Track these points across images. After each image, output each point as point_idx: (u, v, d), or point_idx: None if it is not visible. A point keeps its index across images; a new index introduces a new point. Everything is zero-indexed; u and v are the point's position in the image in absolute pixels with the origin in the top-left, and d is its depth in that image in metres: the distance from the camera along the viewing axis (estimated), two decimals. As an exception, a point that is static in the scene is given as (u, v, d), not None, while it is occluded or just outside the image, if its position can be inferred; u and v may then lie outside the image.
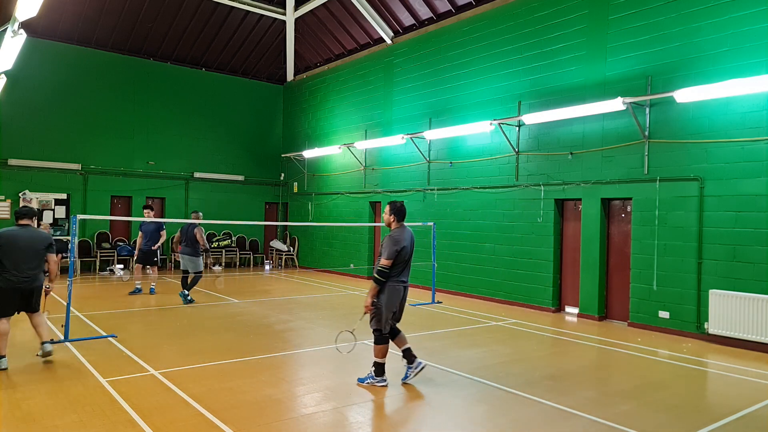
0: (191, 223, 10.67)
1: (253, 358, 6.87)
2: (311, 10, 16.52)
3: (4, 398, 5.15)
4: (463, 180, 12.53)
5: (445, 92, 13.06)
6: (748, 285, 7.95)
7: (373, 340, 5.86)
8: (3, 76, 11.03)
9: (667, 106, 8.96)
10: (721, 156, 8.35)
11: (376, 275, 5.69)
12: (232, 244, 18.11)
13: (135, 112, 16.72)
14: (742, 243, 8.07)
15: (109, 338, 7.63)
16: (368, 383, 5.82)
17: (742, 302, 7.91)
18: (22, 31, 7.14)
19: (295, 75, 19.35)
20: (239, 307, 10.56)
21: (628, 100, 9.00)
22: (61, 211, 15.38)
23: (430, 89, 13.49)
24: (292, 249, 18.74)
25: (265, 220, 19.19)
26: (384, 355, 5.81)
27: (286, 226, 19.36)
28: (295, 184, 18.85)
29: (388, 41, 15.04)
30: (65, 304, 7.53)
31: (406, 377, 5.92)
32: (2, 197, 14.54)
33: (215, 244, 17.46)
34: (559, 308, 10.79)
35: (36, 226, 6.63)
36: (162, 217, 17.01)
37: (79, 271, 15.12)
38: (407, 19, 14.42)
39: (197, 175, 17.65)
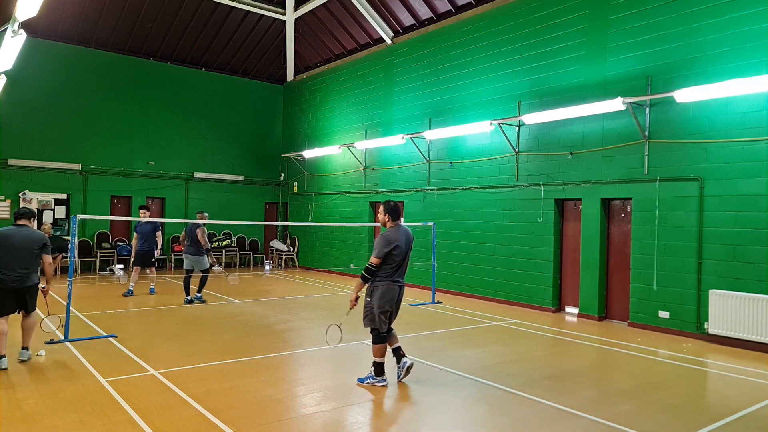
0: (195, 223, 10.75)
1: (253, 358, 6.87)
2: (311, 10, 16.52)
3: (4, 398, 5.15)
4: (463, 180, 12.53)
5: (445, 92, 13.06)
6: (748, 285, 7.95)
7: (371, 340, 5.87)
8: (3, 76, 11.03)
9: (667, 106, 8.96)
10: (721, 156, 8.35)
11: (363, 272, 5.77)
12: (232, 244, 18.12)
13: (135, 112, 16.72)
14: (742, 243, 8.07)
15: (109, 338, 7.63)
16: (368, 383, 5.82)
17: (742, 302, 7.91)
18: (22, 31, 7.13)
19: (295, 75, 19.35)
20: (239, 307, 10.56)
21: (628, 100, 9.00)
22: (61, 211, 15.38)
23: (430, 89, 13.49)
24: (292, 249, 18.74)
25: (265, 220, 19.19)
26: (383, 355, 5.81)
27: (286, 226, 19.36)
28: (295, 184, 18.85)
29: (388, 41, 15.04)
30: (65, 304, 7.53)
31: (398, 376, 5.94)
32: (2, 197, 14.54)
33: (215, 244, 17.46)
34: (559, 308, 10.79)
35: (36, 227, 6.65)
36: (162, 217, 17.03)
37: (79, 271, 15.13)
38: (407, 19, 14.42)
39: (197, 175, 17.65)
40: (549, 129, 10.75)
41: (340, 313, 9.96)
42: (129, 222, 16.29)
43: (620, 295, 9.86)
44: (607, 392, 5.80)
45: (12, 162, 14.55)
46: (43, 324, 6.87)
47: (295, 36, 18.07)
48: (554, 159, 10.69)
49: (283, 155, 19.29)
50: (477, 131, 11.58)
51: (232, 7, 16.33)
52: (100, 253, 15.68)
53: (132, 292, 11.34)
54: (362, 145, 15.01)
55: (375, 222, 15.11)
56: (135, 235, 11.50)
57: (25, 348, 6.45)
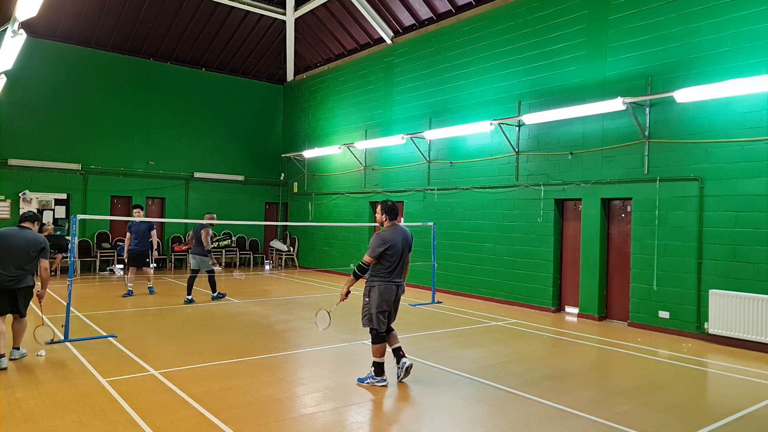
0: (201, 224, 10.91)
1: (253, 358, 6.87)
2: (311, 10, 16.52)
3: (4, 398, 5.15)
4: (463, 180, 12.53)
5: (445, 92, 13.06)
6: (748, 285, 7.95)
7: (370, 340, 5.87)
8: (3, 76, 11.03)
9: (667, 106, 8.96)
10: (721, 156, 8.35)
11: (355, 269, 5.83)
12: (232, 244, 18.12)
13: (135, 112, 16.72)
14: (742, 243, 8.07)
15: (109, 338, 7.63)
16: (368, 383, 5.82)
17: (742, 302, 7.91)
18: (22, 31, 7.13)
19: (295, 75, 19.35)
20: (239, 307, 10.56)
21: (628, 100, 9.00)
22: (61, 211, 15.38)
23: (430, 89, 13.49)
24: (292, 249, 18.74)
25: (265, 220, 19.19)
26: (382, 355, 5.81)
27: (286, 226, 19.36)
28: (295, 184, 18.85)
29: (388, 41, 15.04)
30: (65, 304, 7.53)
31: (398, 377, 5.94)
32: (2, 197, 14.54)
33: (215, 244, 17.46)
34: (559, 308, 10.79)
35: (39, 230, 6.72)
36: (162, 217, 17.03)
37: (79, 271, 15.12)
38: (407, 19, 14.42)
39: (197, 175, 17.65)
40: (549, 129, 10.75)
41: (340, 312, 9.96)
42: (129, 222, 16.27)
43: (620, 295, 9.86)
44: (607, 392, 5.80)
45: (12, 162, 14.55)
46: (36, 333, 6.82)
47: (295, 36, 18.07)
48: (554, 159, 10.69)
49: (283, 155, 19.29)
50: (477, 131, 11.58)
51: (232, 7, 16.33)
52: (100, 253, 15.68)
53: (132, 293, 11.33)
54: (362, 145, 15.01)
55: (375, 222, 15.13)
56: (128, 234, 11.33)
57: (16, 348, 6.46)
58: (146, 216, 16.34)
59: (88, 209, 15.54)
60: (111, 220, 16.36)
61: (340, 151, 16.12)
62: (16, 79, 13.79)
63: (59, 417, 4.71)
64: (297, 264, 18.50)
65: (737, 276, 8.10)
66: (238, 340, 7.82)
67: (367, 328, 5.90)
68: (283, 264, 18.59)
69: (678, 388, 6.04)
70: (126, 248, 11.41)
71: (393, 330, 6.01)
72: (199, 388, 5.56)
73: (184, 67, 17.71)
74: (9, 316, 6.47)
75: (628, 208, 9.81)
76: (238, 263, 18.27)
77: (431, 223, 11.84)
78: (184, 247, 16.99)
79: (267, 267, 18.09)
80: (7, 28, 7.29)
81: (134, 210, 11.45)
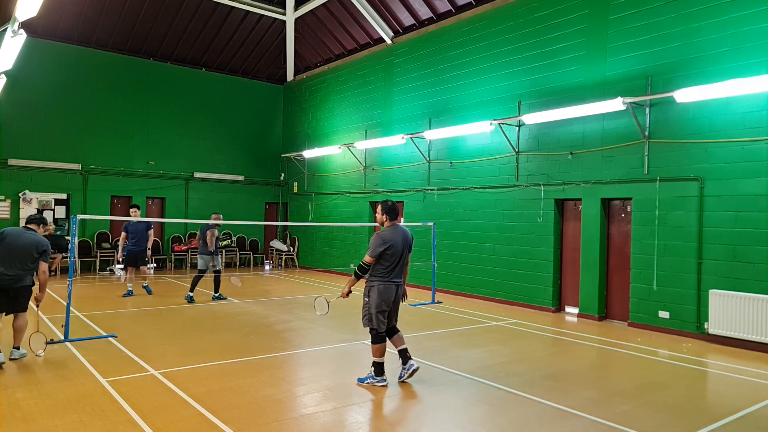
0: (206, 224, 10.98)
1: (253, 358, 6.87)
2: (311, 10, 16.52)
3: (4, 398, 5.15)
4: (463, 180, 12.53)
5: (445, 92, 13.06)
6: (748, 285, 7.95)
7: (371, 340, 5.86)
8: (3, 76, 11.03)
9: (667, 106, 8.96)
10: (721, 156, 8.35)
11: (356, 269, 5.84)
12: (232, 244, 18.11)
13: (135, 112, 16.72)
14: (742, 243, 8.07)
15: (109, 338, 7.63)
16: (368, 383, 5.82)
17: (742, 302, 7.91)
18: (22, 31, 7.13)
19: (295, 75, 19.35)
20: (239, 307, 10.56)
21: (628, 100, 9.00)
22: (61, 211, 15.38)
23: (430, 89, 13.49)
24: (292, 249, 18.74)
25: (265, 220, 19.20)
26: (382, 355, 5.80)
27: (286, 226, 19.36)
28: (295, 184, 18.85)
29: (388, 41, 15.04)
30: (65, 304, 7.53)
31: (400, 377, 5.93)
32: (2, 197, 14.54)
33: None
34: (559, 308, 10.79)
35: (42, 233, 6.78)
36: (162, 217, 17.04)
37: (79, 271, 15.12)
38: (407, 19, 14.42)
39: (197, 175, 17.65)
40: (549, 129, 10.75)
41: (340, 312, 9.96)
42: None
43: (620, 295, 9.86)
44: (607, 392, 5.80)
45: (12, 162, 14.55)
46: (32, 340, 6.79)
47: (295, 36, 18.07)
48: (554, 159, 10.69)
49: (283, 155, 19.29)
50: (477, 131, 11.58)
51: (232, 7, 16.33)
52: (100, 253, 15.68)
53: (132, 293, 11.32)
54: (362, 145, 15.01)
55: (375, 222, 15.13)
56: (123, 234, 11.22)
57: (16, 347, 6.47)
58: (145, 216, 16.36)
59: (88, 209, 15.55)
60: (111, 220, 16.35)
61: (340, 151, 16.12)
62: (16, 79, 13.79)
63: (59, 417, 4.71)
64: (297, 264, 18.50)
65: (737, 276, 8.10)
66: (238, 340, 7.82)
67: (367, 328, 5.89)
68: (283, 264, 18.59)
69: (678, 388, 6.04)
70: (121, 248, 11.34)
71: (399, 331, 6.00)
72: (199, 388, 5.56)
73: (184, 67, 17.71)
74: (10, 316, 6.48)
75: (628, 208, 9.81)
76: (238, 263, 18.27)
77: (431, 223, 11.84)
78: (184, 247, 17.00)
79: (267, 267, 18.09)
80: (7, 28, 7.29)
81: (131, 210, 11.27)
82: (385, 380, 5.82)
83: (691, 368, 6.95)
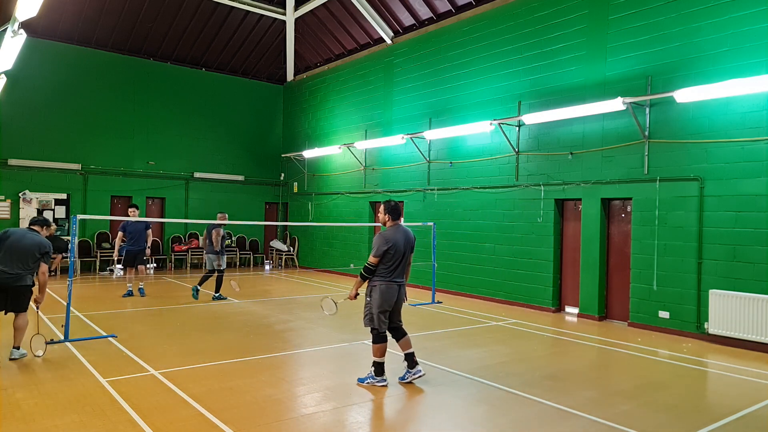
0: (212, 224, 11.01)
1: (253, 358, 6.87)
2: (311, 10, 16.52)
3: (4, 398, 5.15)
4: (463, 180, 12.54)
5: (445, 92, 13.06)
6: (748, 285, 7.95)
7: (371, 340, 5.86)
8: (3, 76, 11.03)
9: (667, 106, 8.96)
10: (721, 156, 8.35)
11: (362, 270, 5.81)
12: (232, 244, 18.08)
13: (135, 112, 16.72)
14: (742, 243, 8.07)
15: (109, 338, 7.63)
16: (368, 383, 5.82)
17: (742, 302, 7.91)
18: (22, 31, 7.13)
19: (295, 75, 19.35)
20: (239, 307, 10.56)
21: (628, 100, 9.00)
22: (61, 211, 15.38)
23: (430, 89, 13.49)
24: (292, 249, 18.74)
25: (265, 220, 19.20)
26: (382, 355, 5.80)
27: (286, 226, 19.36)
28: (295, 184, 18.85)
29: (388, 41, 15.04)
30: (65, 304, 7.53)
31: (403, 378, 5.93)
32: (2, 197, 14.54)
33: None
34: (559, 308, 10.79)
35: (45, 234, 6.85)
36: (162, 217, 17.04)
37: (79, 271, 15.12)
38: (407, 19, 14.42)
39: (197, 175, 17.65)
40: (549, 129, 10.75)
41: (340, 312, 9.95)
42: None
43: (620, 295, 9.86)
44: (607, 392, 5.80)
45: (12, 162, 14.55)
46: (33, 342, 6.78)
47: (295, 36, 18.07)
48: (554, 159, 10.69)
49: (283, 155, 19.29)
50: (477, 131, 11.58)
51: (232, 7, 16.33)
52: (100, 253, 15.68)
53: (132, 293, 11.32)
54: (362, 145, 15.01)
55: (375, 222, 15.13)
56: (120, 234, 11.17)
57: (16, 347, 6.47)
58: (145, 215, 16.36)
59: (88, 209, 15.55)
60: (111, 220, 16.34)
61: (340, 151, 16.12)
62: (16, 79, 13.79)
63: (59, 417, 4.71)
64: (297, 264, 18.50)
65: (737, 276, 8.10)
66: (238, 340, 7.82)
67: (368, 329, 5.89)
68: (283, 264, 18.59)
69: (678, 388, 6.04)
70: (117, 248, 11.31)
71: (407, 335, 5.97)
72: (199, 388, 5.56)
73: (184, 67, 17.70)
74: (10, 316, 6.48)
75: (628, 208, 9.81)
76: (238, 263, 18.27)
77: (431, 223, 11.84)
78: (184, 247, 17.00)
79: (267, 267, 18.09)
80: (7, 28, 7.29)
81: (130, 209, 11.21)
82: (385, 380, 5.82)
83: (691, 368, 6.95)
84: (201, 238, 11.02)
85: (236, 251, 18.14)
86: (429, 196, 13.44)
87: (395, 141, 13.56)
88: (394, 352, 6.37)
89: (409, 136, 13.30)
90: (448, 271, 12.69)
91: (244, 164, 18.83)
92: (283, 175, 19.49)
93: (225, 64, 18.37)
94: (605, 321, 9.98)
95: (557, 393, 5.68)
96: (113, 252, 15.56)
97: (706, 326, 8.34)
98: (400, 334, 5.94)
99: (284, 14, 17.27)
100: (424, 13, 13.85)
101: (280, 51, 18.68)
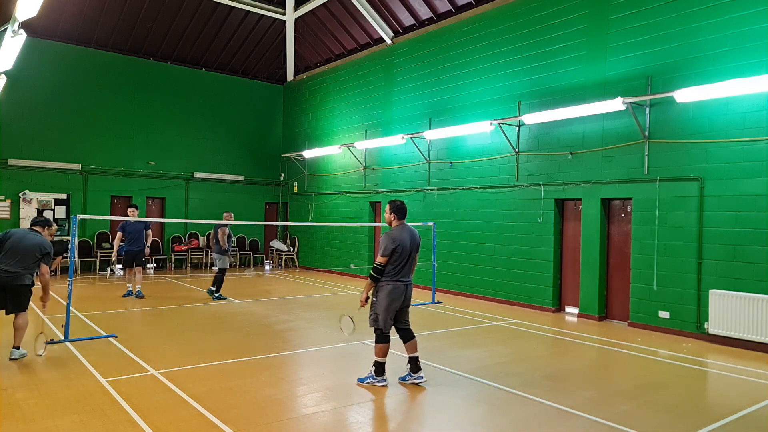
0: (218, 223, 11.08)
1: (253, 358, 6.87)
2: (311, 10, 16.52)
3: (4, 398, 5.15)
4: (463, 180, 12.54)
5: (445, 92, 13.06)
6: (748, 285, 7.95)
7: (373, 339, 5.86)
8: (3, 76, 11.03)
9: (667, 106, 8.96)
10: (721, 156, 8.35)
11: (371, 272, 5.76)
12: (233, 245, 18.09)
13: (135, 112, 16.72)
14: (742, 243, 8.07)
15: (109, 338, 7.63)
16: (368, 383, 5.82)
17: (742, 302, 7.91)
18: (22, 31, 7.13)
19: (295, 75, 19.35)
20: (239, 307, 10.56)
21: (628, 100, 9.00)
22: (61, 211, 15.38)
23: (430, 89, 13.49)
24: (292, 249, 18.74)
25: (265, 220, 19.20)
26: (384, 355, 5.80)
27: (286, 226, 19.36)
28: (295, 184, 18.85)
29: (388, 41, 15.04)
30: (65, 304, 7.53)
31: (404, 378, 5.92)
32: (2, 197, 14.54)
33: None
34: (559, 308, 10.79)
35: (47, 235, 6.88)
36: (162, 217, 17.03)
37: (79, 271, 15.12)
38: (407, 19, 14.42)
39: (197, 175, 17.65)
40: (549, 129, 10.75)
41: (340, 313, 9.96)
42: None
43: (620, 295, 9.86)
44: (607, 392, 5.80)
45: (12, 162, 14.55)
46: (37, 341, 6.77)
47: (295, 36, 18.07)
48: (554, 159, 10.69)
49: (283, 155, 19.29)
50: (477, 131, 11.58)
51: (232, 7, 16.33)
52: (100, 253, 15.68)
53: (131, 293, 11.32)
54: (362, 145, 15.01)
55: (375, 222, 15.15)
56: (119, 234, 11.12)
57: (16, 347, 6.47)
58: (144, 215, 16.35)
59: (88, 209, 15.54)
60: (111, 220, 16.33)
61: (340, 151, 16.12)
62: (16, 79, 13.79)
63: (59, 417, 4.71)
64: (297, 264, 18.49)
65: (737, 276, 8.10)
66: (238, 340, 7.82)
67: (371, 329, 5.88)
68: (283, 264, 18.59)
69: (678, 388, 6.04)
70: (116, 248, 11.30)
71: (414, 338, 5.95)
72: (199, 388, 5.56)
73: (184, 67, 17.70)
74: (10, 316, 6.49)
75: (628, 208, 9.81)
76: (238, 263, 18.24)
77: (431, 223, 11.84)
78: (184, 247, 17.00)
79: (267, 267, 18.09)
80: (7, 28, 7.29)
81: (129, 209, 11.15)
82: (385, 380, 5.82)
83: (691, 368, 6.95)
84: (204, 237, 11.03)
85: (236, 251, 18.14)
86: (429, 196, 13.44)
87: (395, 141, 13.56)
88: (395, 352, 6.37)
89: (409, 136, 13.30)
90: (448, 271, 12.69)
91: (244, 164, 18.83)
92: (283, 175, 19.49)
93: (225, 64, 18.37)
94: (605, 321, 9.98)
95: (557, 393, 5.68)
96: (112, 252, 15.71)
97: (706, 326, 8.34)
98: (408, 336, 5.93)
99: (284, 14, 17.27)
100: (424, 13, 13.85)
101: (280, 51, 18.68)
